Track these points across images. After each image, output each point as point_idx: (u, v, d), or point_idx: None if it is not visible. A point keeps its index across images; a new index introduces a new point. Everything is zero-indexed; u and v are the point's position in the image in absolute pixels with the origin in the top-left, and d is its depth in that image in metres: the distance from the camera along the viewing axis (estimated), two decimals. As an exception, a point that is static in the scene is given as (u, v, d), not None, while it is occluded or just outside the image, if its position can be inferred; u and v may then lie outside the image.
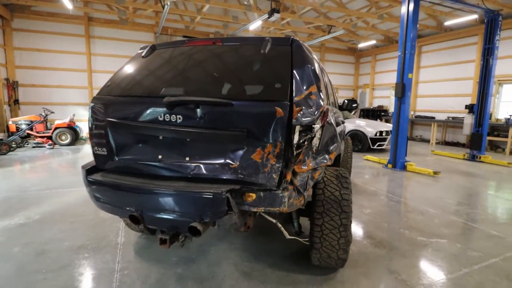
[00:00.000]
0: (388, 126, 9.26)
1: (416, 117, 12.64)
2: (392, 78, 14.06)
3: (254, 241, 3.05)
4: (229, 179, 1.85)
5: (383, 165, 7.16)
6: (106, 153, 2.12)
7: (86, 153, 8.49)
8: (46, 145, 9.00)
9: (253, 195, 1.78)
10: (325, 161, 2.17)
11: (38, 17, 10.54)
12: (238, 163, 1.84)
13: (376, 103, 15.46)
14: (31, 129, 9.21)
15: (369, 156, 8.03)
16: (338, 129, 3.33)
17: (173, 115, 1.90)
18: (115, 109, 2.10)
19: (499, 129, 9.85)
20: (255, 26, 10.58)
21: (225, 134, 1.84)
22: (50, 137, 9.33)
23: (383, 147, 9.11)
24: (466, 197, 4.89)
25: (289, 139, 1.79)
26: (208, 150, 1.91)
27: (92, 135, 2.17)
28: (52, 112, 9.61)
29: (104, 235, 3.18)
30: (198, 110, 1.86)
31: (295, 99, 1.81)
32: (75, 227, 3.37)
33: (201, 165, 1.91)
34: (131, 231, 3.25)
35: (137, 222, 1.92)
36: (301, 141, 1.84)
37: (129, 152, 2.09)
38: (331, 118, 2.34)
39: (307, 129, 1.86)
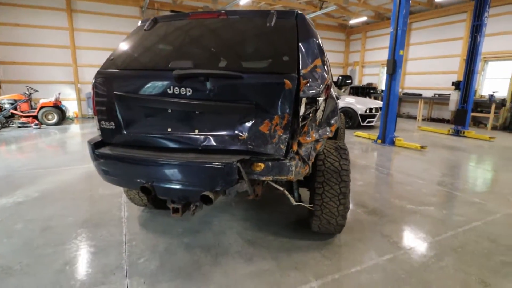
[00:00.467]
0: (377, 103, 9.43)
1: (404, 94, 12.87)
2: (382, 55, 14.14)
3: (255, 212, 3.19)
4: (238, 150, 1.93)
5: (372, 140, 7.38)
6: (114, 127, 2.14)
7: (75, 133, 8.35)
8: (32, 125, 8.77)
9: (262, 165, 1.87)
10: (327, 133, 2.26)
11: (14, -11, 9.91)
12: (246, 134, 1.91)
13: (365, 81, 15.59)
14: (15, 108, 8.91)
15: (359, 132, 8.23)
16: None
17: (183, 88, 1.93)
18: (123, 83, 2.11)
19: (483, 105, 10.20)
20: (245, 0, 10.30)
21: (234, 106, 1.89)
22: (35, 117, 9.08)
23: (372, 124, 9.32)
24: (450, 169, 5.16)
25: (296, 111, 1.86)
26: (217, 122, 1.97)
27: (98, 110, 2.17)
28: (36, 91, 9.30)
29: (107, 210, 3.25)
30: (208, 82, 1.89)
31: (302, 71, 1.86)
32: (76, 203, 3.42)
33: (211, 137, 1.97)
34: (134, 206, 3.33)
35: (148, 193, 1.99)
36: (306, 113, 1.92)
37: (138, 125, 2.12)
38: (333, 92, 2.41)
39: (312, 101, 1.93)
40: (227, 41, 2.19)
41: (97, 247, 2.52)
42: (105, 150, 2.11)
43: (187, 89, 1.92)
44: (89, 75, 11.23)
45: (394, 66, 6.52)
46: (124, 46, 2.34)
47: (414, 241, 2.67)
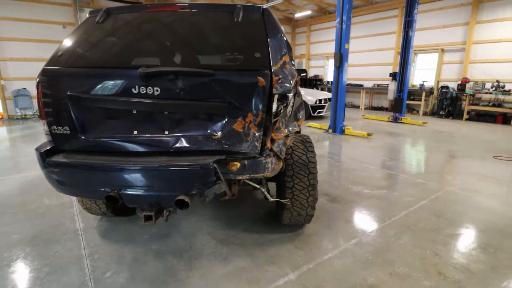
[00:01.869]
0: (326, 94, 9.91)
1: (347, 85, 13.67)
2: (326, 48, 14.83)
3: (223, 210, 3.15)
4: (212, 150, 1.87)
5: (324, 130, 7.76)
6: (68, 132, 1.90)
7: (1, 137, 7.30)
8: None
9: (238, 164, 1.84)
10: (295, 127, 2.31)
11: None
12: (220, 133, 1.85)
13: (312, 73, 16.23)
14: None
15: (312, 123, 8.59)
16: None
17: (149, 87, 1.78)
18: (78, 82, 1.87)
19: (414, 93, 11.37)
20: (191, -10, 9.92)
21: (206, 105, 1.81)
22: None
23: (322, 114, 9.79)
24: (395, 153, 5.68)
25: (269, 108, 1.85)
26: (189, 122, 1.87)
27: (47, 113, 1.90)
28: None
29: (58, 223, 2.93)
30: (178, 81, 1.78)
31: (273, 68, 1.86)
32: (19, 218, 3.02)
33: (182, 138, 1.87)
34: (89, 216, 3.05)
35: (115, 202, 1.83)
36: (278, 110, 1.93)
37: (98, 129, 1.92)
38: (299, 87, 2.46)
39: (283, 97, 1.94)
40: (195, 37, 2.07)
41: (53, 266, 2.26)
42: (59, 158, 1.88)
43: (155, 88, 1.79)
44: (14, 70, 9.85)
45: (340, 59, 6.90)
46: (73, 41, 2.07)
47: (375, 223, 2.89)
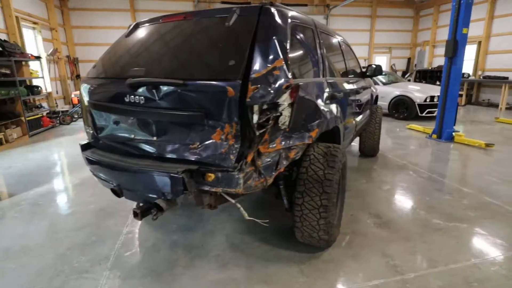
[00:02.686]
0: (442, 91, 8.16)
1: (484, 77, 10.87)
2: (458, 32, 12.09)
3: (253, 214, 3.09)
4: (189, 159, 1.86)
5: (427, 135, 6.45)
6: (92, 131, 2.28)
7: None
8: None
9: (212, 175, 1.77)
10: (303, 139, 2.04)
11: (89, -6, 11.24)
12: (197, 143, 1.82)
13: (436, 63, 13.61)
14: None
15: (413, 125, 7.27)
16: (350, 99, 3.10)
17: (136, 96, 1.93)
18: (94, 91, 2.22)
19: None
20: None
21: (184, 115, 1.81)
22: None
23: (434, 114, 8.14)
24: (518, 175, 4.20)
25: (246, 119, 1.70)
26: (170, 130, 1.92)
27: (82, 115, 2.34)
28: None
29: (122, 200, 3.51)
30: (155, 91, 1.85)
31: (253, 76, 1.67)
32: (102, 192, 3.79)
33: (165, 145, 1.94)
34: (146, 198, 3.55)
35: (117, 195, 2.08)
36: (263, 120, 1.74)
37: (107, 131, 2.22)
38: (311, 93, 2.14)
39: (272, 107, 1.74)
40: (182, 46, 2.08)
41: (99, 236, 2.77)
42: (88, 153, 2.27)
43: (140, 97, 1.91)
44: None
45: (454, 48, 5.51)
46: (105, 53, 2.44)
47: (419, 267, 2.25)
